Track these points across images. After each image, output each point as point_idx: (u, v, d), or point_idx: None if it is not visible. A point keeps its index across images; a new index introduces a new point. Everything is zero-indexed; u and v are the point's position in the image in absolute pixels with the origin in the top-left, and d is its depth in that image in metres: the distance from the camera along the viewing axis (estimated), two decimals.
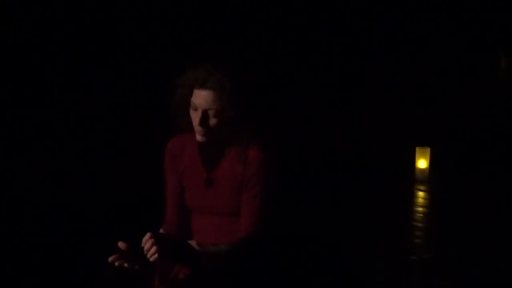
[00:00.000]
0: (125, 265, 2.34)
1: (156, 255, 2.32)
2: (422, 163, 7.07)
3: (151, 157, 3.46)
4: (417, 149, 7.13)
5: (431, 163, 7.09)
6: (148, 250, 2.33)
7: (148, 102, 7.27)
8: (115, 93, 7.84)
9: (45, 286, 3.94)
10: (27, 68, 7.42)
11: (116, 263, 2.34)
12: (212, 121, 2.56)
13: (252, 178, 2.59)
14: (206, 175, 2.67)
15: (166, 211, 2.77)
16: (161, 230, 2.75)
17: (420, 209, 6.11)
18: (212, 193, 2.65)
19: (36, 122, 7.61)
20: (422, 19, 8.71)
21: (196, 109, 2.56)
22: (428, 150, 7.10)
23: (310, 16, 8.50)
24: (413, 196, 6.56)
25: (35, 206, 5.40)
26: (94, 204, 5.58)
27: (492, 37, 8.75)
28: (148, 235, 2.35)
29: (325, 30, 8.61)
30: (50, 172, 6.45)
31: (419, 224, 5.62)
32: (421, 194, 6.62)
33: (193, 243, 2.57)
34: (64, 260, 4.32)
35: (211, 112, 2.54)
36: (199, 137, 2.59)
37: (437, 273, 4.39)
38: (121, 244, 2.34)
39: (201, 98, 2.54)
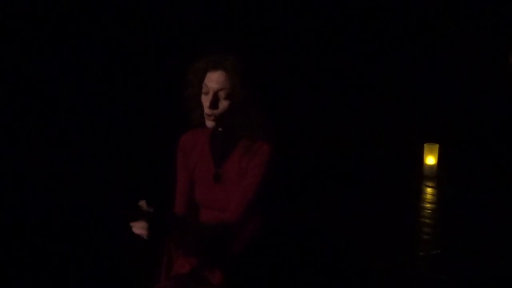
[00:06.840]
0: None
1: (145, 232, 2.30)
2: (430, 160, 7.08)
3: (162, 151, 3.48)
4: (426, 145, 7.14)
5: (440, 159, 7.10)
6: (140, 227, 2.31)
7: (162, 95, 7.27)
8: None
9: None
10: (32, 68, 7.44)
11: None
12: (223, 103, 2.58)
13: (253, 168, 2.60)
14: (215, 170, 2.68)
15: (175, 205, 2.80)
16: None
17: (428, 205, 6.12)
18: (220, 188, 2.66)
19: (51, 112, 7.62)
20: (431, 16, 8.70)
21: (207, 93, 2.59)
22: (436, 146, 7.12)
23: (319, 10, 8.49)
24: (421, 192, 6.57)
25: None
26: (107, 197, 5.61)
27: (501, 33, 8.73)
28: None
29: (334, 25, 8.60)
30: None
31: (427, 220, 5.63)
32: (429, 190, 6.63)
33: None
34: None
35: (222, 94, 2.57)
36: (208, 123, 2.61)
37: (445, 269, 4.41)
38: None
39: (213, 79, 2.58)
